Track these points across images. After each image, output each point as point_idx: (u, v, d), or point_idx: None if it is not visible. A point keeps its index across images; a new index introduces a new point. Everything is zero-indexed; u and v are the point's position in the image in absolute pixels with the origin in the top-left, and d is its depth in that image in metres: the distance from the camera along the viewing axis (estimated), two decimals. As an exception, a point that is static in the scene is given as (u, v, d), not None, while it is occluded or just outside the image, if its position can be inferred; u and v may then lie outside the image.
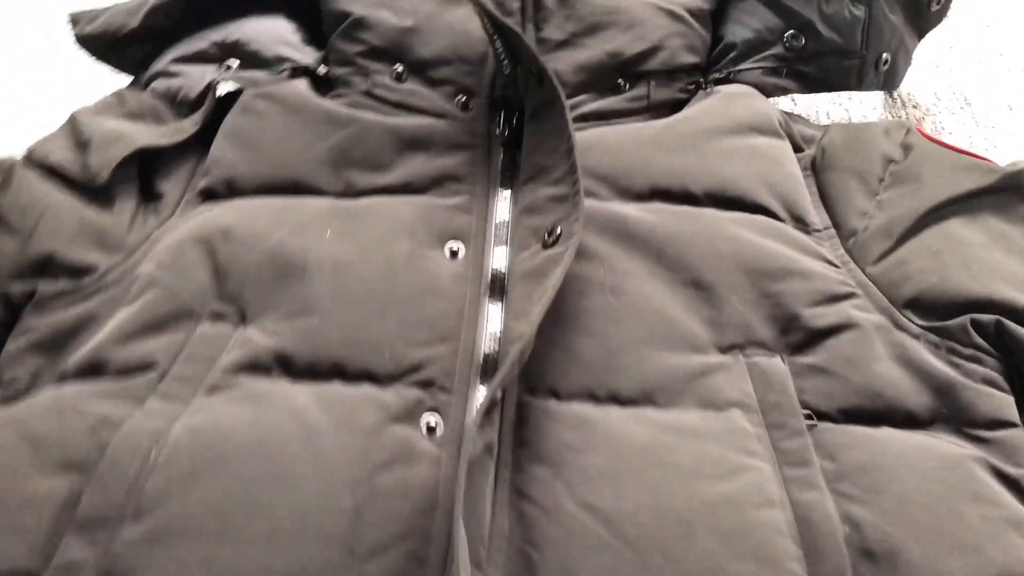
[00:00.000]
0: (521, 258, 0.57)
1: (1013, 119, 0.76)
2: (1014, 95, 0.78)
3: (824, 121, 0.78)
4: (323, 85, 0.72)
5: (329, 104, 0.67)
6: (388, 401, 0.52)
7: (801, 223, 0.60)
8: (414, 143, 0.65)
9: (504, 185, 0.64)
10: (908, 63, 0.72)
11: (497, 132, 0.66)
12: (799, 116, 0.70)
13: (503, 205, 0.63)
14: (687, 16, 0.70)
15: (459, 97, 0.68)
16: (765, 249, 0.57)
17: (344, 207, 0.62)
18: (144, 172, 0.66)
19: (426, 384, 0.53)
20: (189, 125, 0.68)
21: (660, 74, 0.69)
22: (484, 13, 0.63)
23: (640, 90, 0.69)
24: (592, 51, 0.68)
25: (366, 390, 0.52)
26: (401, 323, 0.55)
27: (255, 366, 0.53)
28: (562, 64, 0.68)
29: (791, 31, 0.69)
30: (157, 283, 0.57)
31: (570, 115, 0.60)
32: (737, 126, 0.64)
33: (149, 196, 0.65)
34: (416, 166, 0.64)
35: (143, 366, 0.53)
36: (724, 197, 0.61)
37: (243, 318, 0.56)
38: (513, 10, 0.69)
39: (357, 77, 0.70)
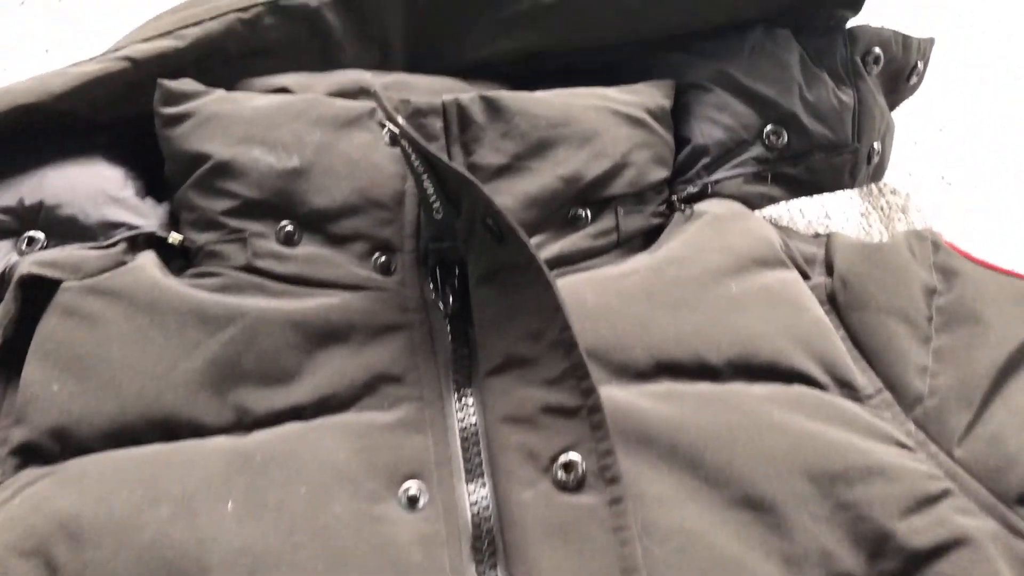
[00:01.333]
0: (524, 500, 0.41)
1: (993, 192, 0.67)
2: (989, 167, 0.69)
3: (799, 220, 0.65)
4: (178, 257, 0.51)
5: (195, 292, 0.47)
6: None
7: (848, 388, 0.47)
8: (327, 334, 0.47)
9: (460, 379, 0.47)
10: (891, 147, 0.61)
11: (436, 299, 0.49)
12: (792, 230, 0.57)
13: (466, 410, 0.46)
14: (649, 120, 0.55)
15: (376, 256, 0.50)
16: (825, 440, 0.44)
17: (243, 452, 0.43)
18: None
19: None
20: (-20, 340, 0.46)
21: (628, 198, 0.54)
22: (410, 143, 0.45)
23: (606, 221, 0.53)
24: (542, 177, 0.52)
25: None
26: None
27: None
28: (507, 197, 0.51)
29: (771, 126, 0.56)
30: None
31: (558, 287, 0.44)
32: (739, 262, 0.50)
33: (-69, 466, 0.44)
34: (335, 369, 0.46)
35: None
36: (752, 366, 0.47)
37: None
38: (436, 132, 0.51)
39: (229, 245, 0.50)
